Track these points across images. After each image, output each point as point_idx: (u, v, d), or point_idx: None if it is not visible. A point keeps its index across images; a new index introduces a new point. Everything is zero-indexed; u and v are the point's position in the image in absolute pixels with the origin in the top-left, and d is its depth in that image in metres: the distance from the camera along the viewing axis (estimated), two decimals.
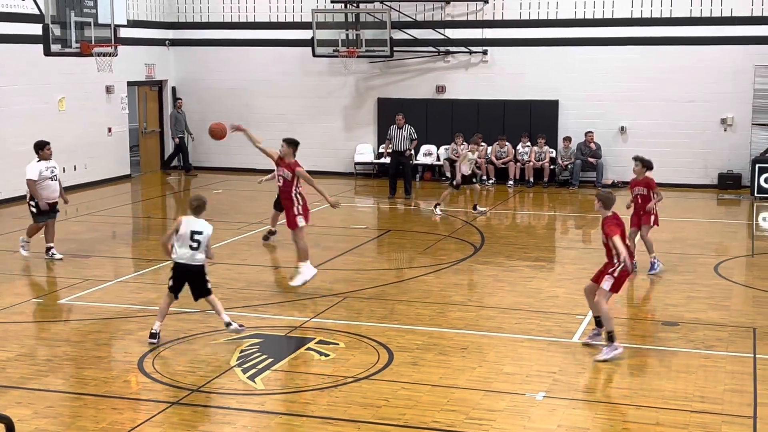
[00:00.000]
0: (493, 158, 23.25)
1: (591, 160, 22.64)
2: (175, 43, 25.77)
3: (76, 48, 16.86)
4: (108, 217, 18.70)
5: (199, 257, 10.10)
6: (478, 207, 19.08)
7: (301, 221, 12.70)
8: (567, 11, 22.97)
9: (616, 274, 9.80)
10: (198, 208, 10.27)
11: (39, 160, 14.48)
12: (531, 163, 22.94)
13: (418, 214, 20.09)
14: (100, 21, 17.41)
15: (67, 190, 21.58)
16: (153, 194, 22.60)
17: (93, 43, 17.10)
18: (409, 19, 23.77)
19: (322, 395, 8.77)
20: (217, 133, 12.81)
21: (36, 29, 17.19)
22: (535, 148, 22.99)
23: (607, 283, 9.82)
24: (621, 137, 22.92)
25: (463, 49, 23.64)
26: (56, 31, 16.58)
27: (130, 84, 24.20)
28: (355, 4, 24.04)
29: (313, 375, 9.32)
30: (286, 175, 12.80)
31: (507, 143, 23.20)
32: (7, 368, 9.50)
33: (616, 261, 9.77)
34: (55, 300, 12.16)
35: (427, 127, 23.84)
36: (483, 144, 20.92)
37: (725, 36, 21.84)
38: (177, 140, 25.01)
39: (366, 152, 24.51)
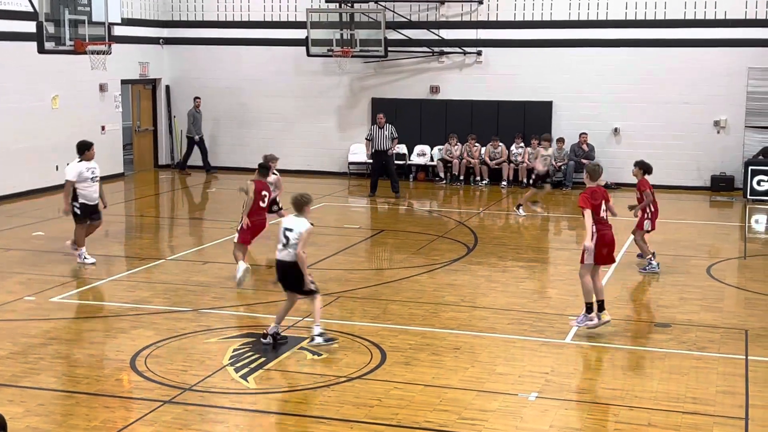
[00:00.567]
0: (487, 159, 23.26)
1: (584, 161, 22.64)
2: (169, 41, 25.74)
3: (70, 46, 16.83)
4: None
5: (291, 253, 9.90)
6: (521, 209, 18.76)
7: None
8: (561, 13, 23.01)
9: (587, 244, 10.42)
10: (298, 206, 10.04)
11: (80, 161, 14.11)
12: (524, 164, 22.96)
13: (411, 214, 20.11)
14: (94, 19, 17.37)
15: (59, 188, 21.57)
16: (146, 193, 22.57)
17: (87, 41, 17.06)
18: (403, 20, 23.78)
19: (314, 395, 8.77)
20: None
21: (30, 27, 17.15)
22: (529, 149, 23.02)
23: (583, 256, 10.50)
24: (614, 139, 22.96)
25: (457, 49, 23.66)
26: (50, 28, 16.55)
27: (123, 82, 24.16)
28: (349, 4, 24.04)
29: (306, 374, 9.32)
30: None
31: (500, 144, 23.22)
32: None
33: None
34: (48, 298, 12.13)
35: (421, 128, 23.86)
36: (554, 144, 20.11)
37: (719, 38, 21.90)
38: (197, 138, 24.72)
39: (360, 152, 24.48)
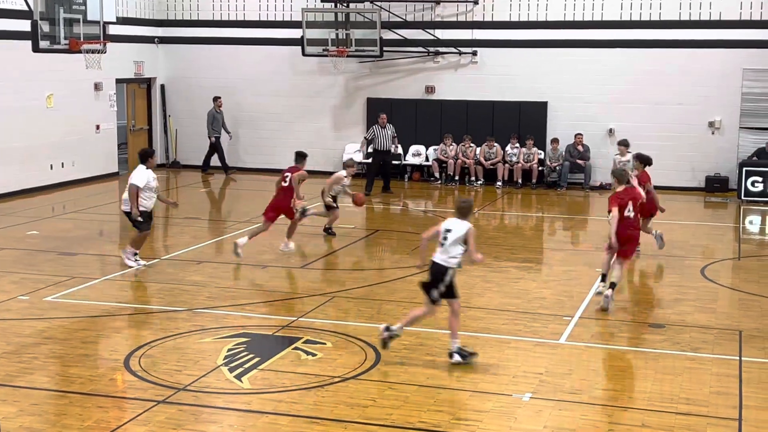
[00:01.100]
0: (482, 159, 23.27)
1: (579, 161, 22.69)
2: (164, 40, 25.71)
3: (65, 45, 16.80)
4: (95, 215, 18.64)
5: (447, 256, 9.64)
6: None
7: None
8: (556, 13, 23.02)
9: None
10: (461, 210, 9.86)
11: (146, 169, 13.93)
12: (519, 165, 22.97)
13: (406, 215, 20.12)
14: (89, 18, 17.34)
15: (54, 187, 21.69)
16: None
17: (82, 39, 17.03)
18: (398, 20, 23.78)
19: (308, 395, 8.77)
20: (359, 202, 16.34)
21: (24, 25, 17.13)
22: (524, 149, 23.03)
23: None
24: (609, 139, 22.96)
25: (452, 49, 23.66)
26: (45, 27, 16.51)
27: (118, 81, 24.13)
28: (345, 4, 24.03)
29: (300, 374, 9.31)
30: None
31: (495, 144, 23.22)
32: None
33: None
34: (42, 297, 12.11)
35: (416, 128, 23.86)
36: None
37: (714, 39, 21.93)
38: (213, 139, 24.45)
39: (355, 152, 24.47)
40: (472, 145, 23.32)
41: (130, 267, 13.78)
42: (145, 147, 14.39)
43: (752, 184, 20.95)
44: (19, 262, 14.22)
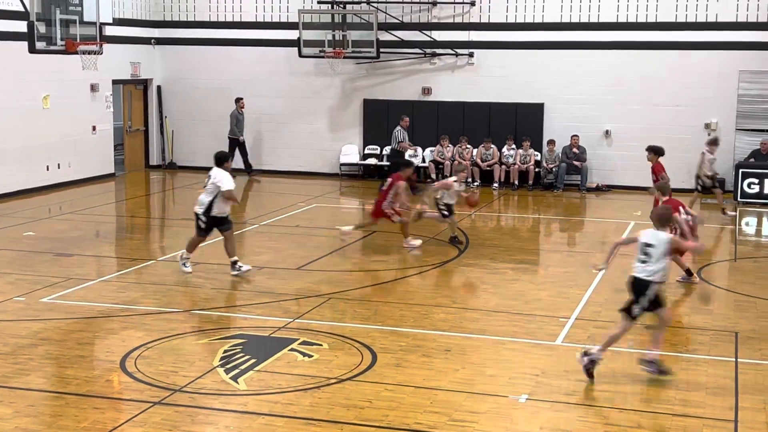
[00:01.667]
0: (479, 161, 23.28)
1: (576, 163, 22.70)
2: (160, 41, 25.69)
3: (61, 46, 16.80)
4: (92, 216, 18.62)
5: (649, 270, 9.24)
6: (727, 211, 19.23)
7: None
8: (553, 15, 23.04)
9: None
10: (660, 219, 9.53)
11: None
12: (516, 166, 22.98)
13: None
14: (85, 19, 17.35)
15: (50, 188, 21.67)
16: (137, 193, 22.53)
17: (78, 40, 17.03)
18: (395, 21, 23.78)
19: (305, 396, 8.76)
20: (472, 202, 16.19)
21: (21, 26, 17.11)
22: (520, 150, 23.04)
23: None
24: (605, 141, 23.00)
25: (449, 51, 23.67)
26: (41, 28, 16.52)
27: (115, 82, 24.11)
28: (341, 5, 24.04)
29: (296, 376, 9.30)
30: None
31: (492, 146, 23.24)
32: None
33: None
34: (38, 299, 12.09)
35: (412, 129, 23.81)
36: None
37: (710, 41, 21.97)
38: (241, 140, 24.30)
39: (352, 153, 24.50)
40: (468, 146, 23.33)
41: (185, 270, 13.37)
42: (222, 150, 13.97)
43: (748, 185, 20.97)
44: (14, 263, 14.20)
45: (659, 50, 22.31)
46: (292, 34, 23.90)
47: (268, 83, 24.91)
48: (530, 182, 22.92)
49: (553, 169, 22.89)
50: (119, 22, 22.76)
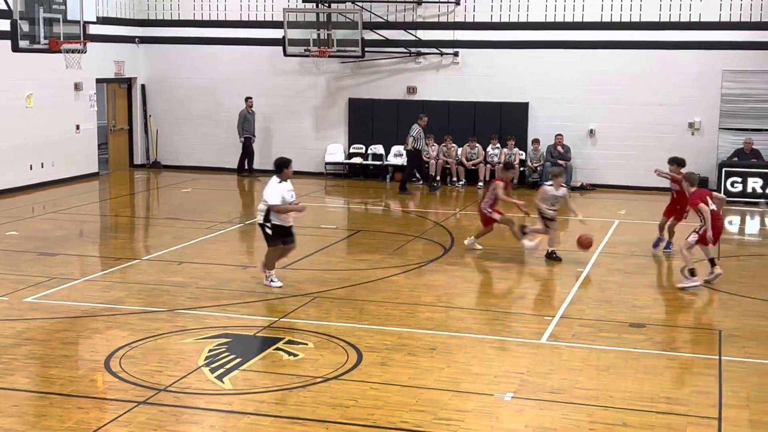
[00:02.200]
0: (463, 159, 23.31)
1: (560, 162, 22.74)
2: (144, 40, 25.61)
3: (45, 44, 16.72)
4: (75, 215, 18.54)
5: None
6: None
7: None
8: (538, 14, 23.09)
9: (699, 232, 12.82)
10: None
11: (280, 181, 12.58)
12: (501, 165, 23.00)
13: (387, 215, 20.12)
14: (69, 17, 17.28)
15: (34, 187, 21.56)
16: (121, 192, 22.44)
17: (62, 39, 16.96)
18: (380, 20, 23.78)
19: (290, 395, 8.76)
20: (586, 244, 14.76)
21: (4, 25, 17.03)
22: (505, 149, 23.08)
23: (692, 237, 12.96)
24: (590, 140, 23.07)
25: (434, 50, 23.69)
26: (24, 27, 16.43)
27: (99, 81, 24.02)
28: (326, 4, 24.01)
29: (282, 375, 9.29)
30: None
31: (477, 145, 23.27)
32: None
33: (701, 222, 12.79)
34: (21, 298, 12.03)
35: (398, 128, 23.84)
36: None
37: (694, 41, 22.07)
38: (242, 140, 24.25)
39: (337, 152, 24.49)
40: (453, 145, 23.36)
41: (275, 286, 12.70)
42: (282, 156, 12.91)
43: (731, 184, 21.09)
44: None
45: (643, 50, 22.40)
46: (276, 33, 23.87)
47: (253, 82, 24.86)
48: (515, 181, 22.94)
49: (538, 168, 22.94)
50: (103, 20, 22.68)
